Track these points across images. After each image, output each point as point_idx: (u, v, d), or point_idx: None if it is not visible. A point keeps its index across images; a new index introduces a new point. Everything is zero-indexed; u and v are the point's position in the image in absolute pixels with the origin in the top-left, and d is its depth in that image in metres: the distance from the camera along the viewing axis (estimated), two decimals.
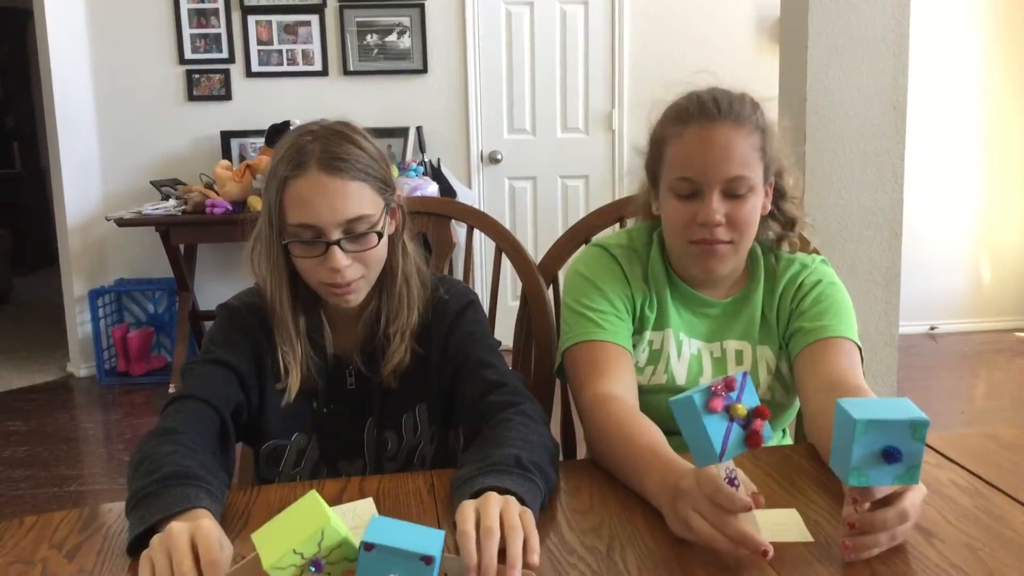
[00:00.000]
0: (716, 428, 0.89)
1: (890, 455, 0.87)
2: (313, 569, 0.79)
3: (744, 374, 0.91)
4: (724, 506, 0.89)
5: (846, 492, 0.93)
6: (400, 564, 0.78)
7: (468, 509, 0.91)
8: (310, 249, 1.20)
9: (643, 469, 1.07)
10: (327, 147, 1.19)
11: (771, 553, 0.88)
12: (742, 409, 0.89)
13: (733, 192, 1.26)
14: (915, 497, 0.93)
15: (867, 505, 0.91)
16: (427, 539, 0.80)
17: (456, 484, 1.04)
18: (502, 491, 0.97)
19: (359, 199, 1.19)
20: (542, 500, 1.03)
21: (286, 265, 1.24)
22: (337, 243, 1.18)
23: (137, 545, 0.94)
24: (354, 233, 1.20)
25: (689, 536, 0.94)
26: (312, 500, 0.82)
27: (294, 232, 1.19)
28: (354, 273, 1.21)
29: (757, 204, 1.29)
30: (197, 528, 0.89)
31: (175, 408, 1.18)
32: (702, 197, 1.26)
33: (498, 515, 0.90)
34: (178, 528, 0.88)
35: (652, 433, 1.14)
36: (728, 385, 0.89)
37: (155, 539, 0.89)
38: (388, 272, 1.29)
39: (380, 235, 1.22)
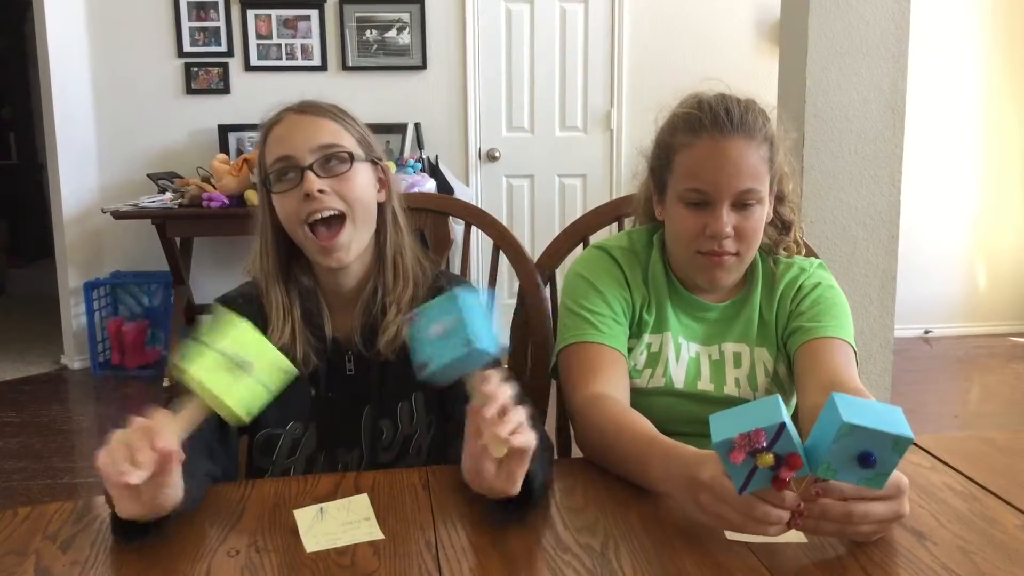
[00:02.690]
0: (738, 471, 0.88)
1: (865, 459, 0.87)
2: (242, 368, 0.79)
3: (781, 424, 0.86)
4: (760, 520, 0.90)
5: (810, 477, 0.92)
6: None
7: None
8: (287, 183, 1.23)
9: (643, 457, 1.08)
10: (306, 100, 1.28)
11: (804, 512, 0.90)
12: (769, 459, 0.87)
13: (743, 203, 1.27)
14: (872, 508, 0.91)
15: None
16: None
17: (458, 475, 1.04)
18: None
19: (332, 131, 1.26)
20: (543, 493, 1.04)
21: (277, 239, 1.28)
22: (310, 167, 1.22)
23: (120, 532, 0.96)
24: (327, 159, 1.24)
25: (714, 524, 0.94)
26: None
27: (272, 170, 1.24)
28: (332, 202, 1.23)
29: (763, 215, 1.30)
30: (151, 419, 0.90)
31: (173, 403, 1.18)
32: (711, 208, 1.27)
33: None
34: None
35: (647, 424, 1.15)
36: (751, 442, 0.87)
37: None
38: (381, 244, 1.31)
39: (352, 157, 1.25)
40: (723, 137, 1.25)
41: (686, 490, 0.97)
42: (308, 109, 1.26)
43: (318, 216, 1.22)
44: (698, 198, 1.27)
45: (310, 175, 1.22)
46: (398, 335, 1.28)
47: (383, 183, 1.32)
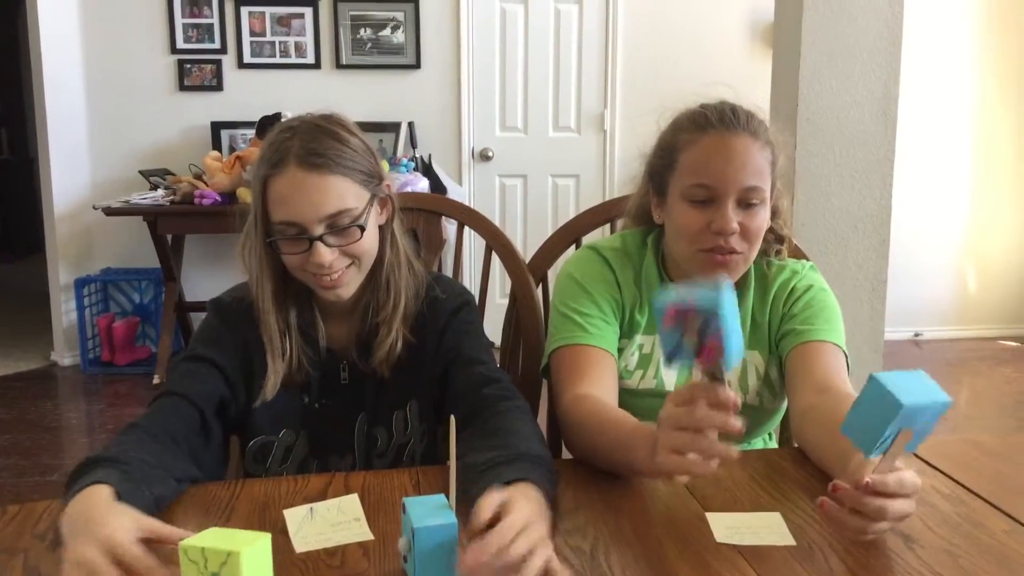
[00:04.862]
0: (667, 338, 0.95)
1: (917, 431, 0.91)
2: None
3: (714, 314, 0.90)
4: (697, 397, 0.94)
5: (857, 466, 0.93)
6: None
7: (523, 513, 0.88)
8: (295, 245, 1.20)
9: (629, 444, 1.08)
10: (305, 143, 1.19)
11: (742, 431, 0.94)
12: (692, 339, 0.92)
13: (747, 201, 1.26)
14: (905, 506, 0.94)
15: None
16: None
17: (476, 470, 1.03)
18: (527, 482, 0.98)
19: (340, 193, 1.19)
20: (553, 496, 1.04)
21: (273, 263, 1.24)
22: (320, 238, 1.19)
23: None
24: (337, 227, 1.20)
25: (675, 465, 0.95)
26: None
27: (279, 230, 1.20)
28: (341, 265, 1.22)
29: (766, 217, 1.30)
30: (107, 542, 0.85)
31: (154, 407, 1.19)
32: (716, 205, 1.26)
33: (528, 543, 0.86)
34: (88, 554, 0.84)
35: (629, 416, 1.16)
36: (683, 316, 0.92)
37: (69, 563, 0.85)
38: (377, 263, 1.29)
39: (362, 228, 1.22)
40: (729, 133, 1.26)
41: (653, 450, 0.98)
42: (311, 163, 1.17)
43: (326, 277, 1.22)
44: (703, 194, 1.27)
45: (321, 248, 1.18)
46: (391, 353, 1.28)
47: (385, 203, 1.29)
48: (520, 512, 0.88)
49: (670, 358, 0.95)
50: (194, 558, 0.80)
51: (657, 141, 1.36)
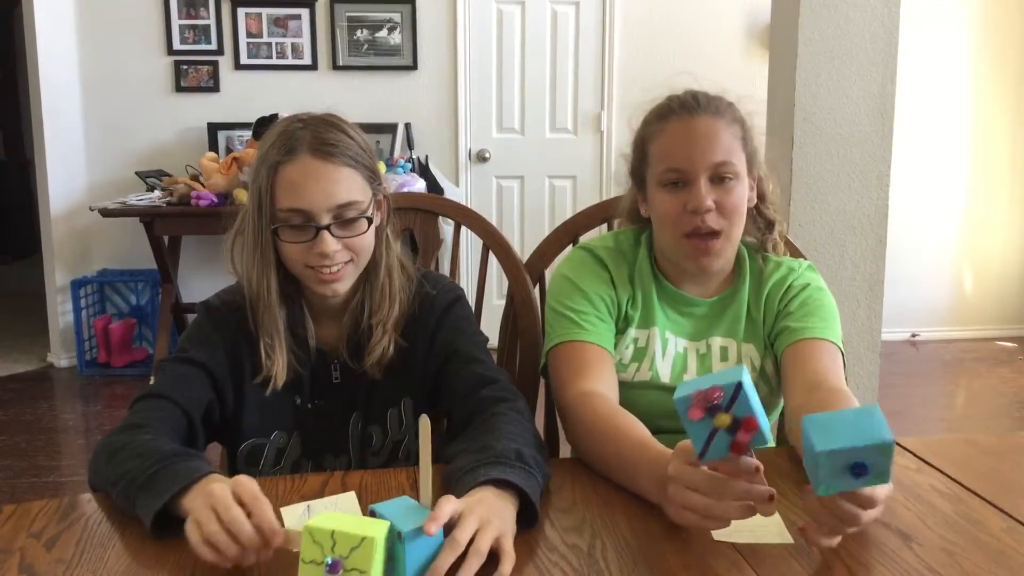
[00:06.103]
0: (698, 432, 0.90)
1: (858, 470, 0.86)
2: (329, 563, 0.79)
3: (738, 384, 0.87)
4: (724, 472, 0.90)
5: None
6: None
7: (471, 519, 0.89)
8: (300, 234, 1.20)
9: (633, 464, 1.08)
10: (318, 134, 1.20)
11: (775, 495, 0.90)
12: (726, 419, 0.88)
13: (720, 176, 1.29)
14: (877, 491, 0.92)
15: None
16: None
17: (457, 475, 1.03)
18: (504, 483, 0.98)
19: (349, 185, 1.20)
20: (539, 494, 1.04)
21: (274, 252, 1.23)
22: (327, 228, 1.19)
23: (159, 523, 0.95)
24: (344, 219, 1.21)
25: (688, 520, 0.94)
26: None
27: (284, 217, 1.20)
28: (342, 258, 1.22)
29: (744, 193, 1.31)
30: (236, 483, 0.90)
31: (142, 406, 1.18)
32: (689, 186, 1.29)
33: (488, 540, 0.89)
34: (219, 488, 0.90)
35: (638, 427, 1.15)
36: (707, 398, 0.87)
37: (197, 504, 0.90)
38: (372, 264, 1.29)
39: (370, 221, 1.23)
40: (691, 117, 1.30)
41: (661, 490, 0.97)
42: (324, 152, 1.19)
43: (326, 269, 1.21)
44: (675, 177, 1.30)
45: (327, 237, 1.19)
46: (383, 356, 1.28)
47: (381, 205, 1.29)
48: (464, 526, 0.88)
49: (702, 455, 0.90)
50: (320, 540, 0.80)
51: (632, 139, 1.40)
